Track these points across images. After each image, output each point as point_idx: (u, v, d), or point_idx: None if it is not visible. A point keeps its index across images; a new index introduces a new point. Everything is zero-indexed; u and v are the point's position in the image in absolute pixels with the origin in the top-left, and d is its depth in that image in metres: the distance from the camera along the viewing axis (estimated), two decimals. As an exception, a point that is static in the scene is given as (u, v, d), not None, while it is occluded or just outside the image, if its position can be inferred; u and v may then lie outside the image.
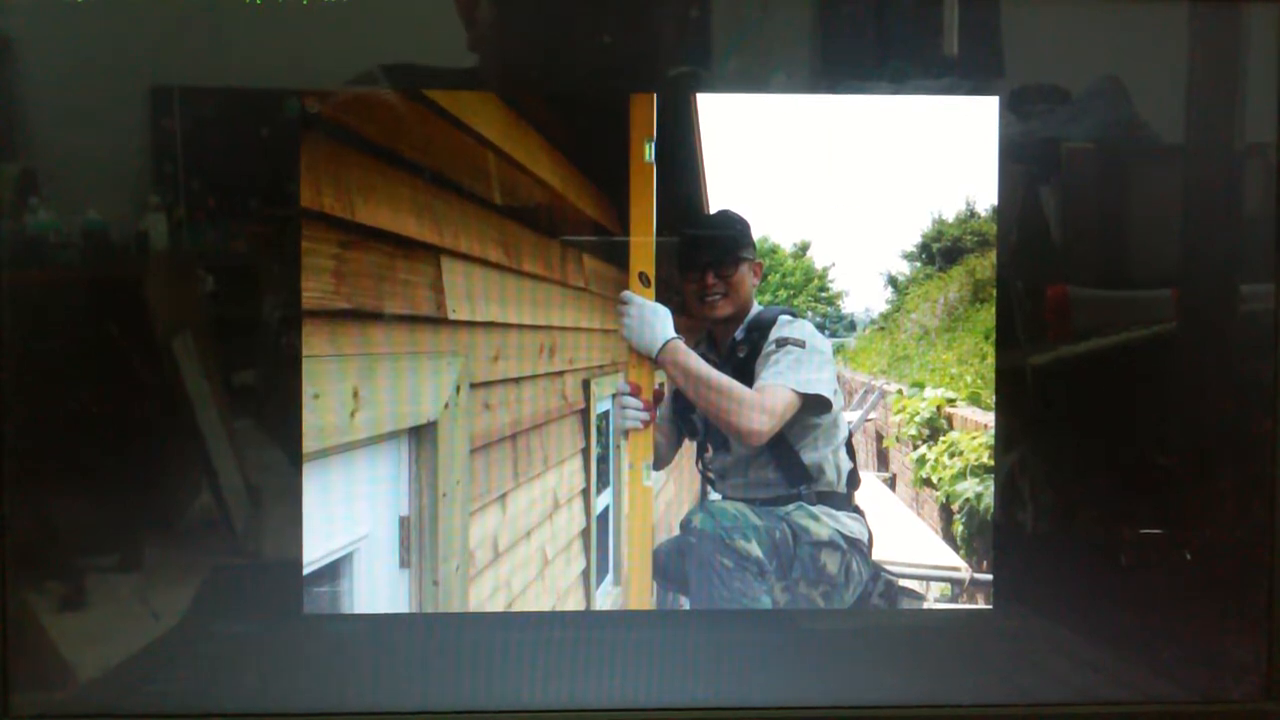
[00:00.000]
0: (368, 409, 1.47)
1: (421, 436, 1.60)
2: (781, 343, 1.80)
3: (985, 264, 1.62)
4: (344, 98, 1.46)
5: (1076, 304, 1.57)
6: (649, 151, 1.56)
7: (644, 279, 1.61)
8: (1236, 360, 1.58)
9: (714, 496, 1.87)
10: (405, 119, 1.48)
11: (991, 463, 1.62)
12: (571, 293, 1.81)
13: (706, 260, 1.76)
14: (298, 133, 1.43)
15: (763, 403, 1.75)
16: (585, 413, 1.95)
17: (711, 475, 1.89)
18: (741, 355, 1.82)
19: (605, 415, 1.93)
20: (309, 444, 1.42)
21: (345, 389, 1.44)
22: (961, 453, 1.83)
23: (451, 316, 1.59)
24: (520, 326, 1.77)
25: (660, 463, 1.81)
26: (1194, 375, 1.58)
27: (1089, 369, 1.59)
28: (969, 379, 1.72)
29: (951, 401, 1.75)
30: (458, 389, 1.60)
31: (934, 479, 1.88)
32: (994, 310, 1.58)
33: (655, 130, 1.54)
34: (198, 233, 1.47)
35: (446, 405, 1.59)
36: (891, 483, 1.91)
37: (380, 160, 1.47)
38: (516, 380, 1.77)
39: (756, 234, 1.71)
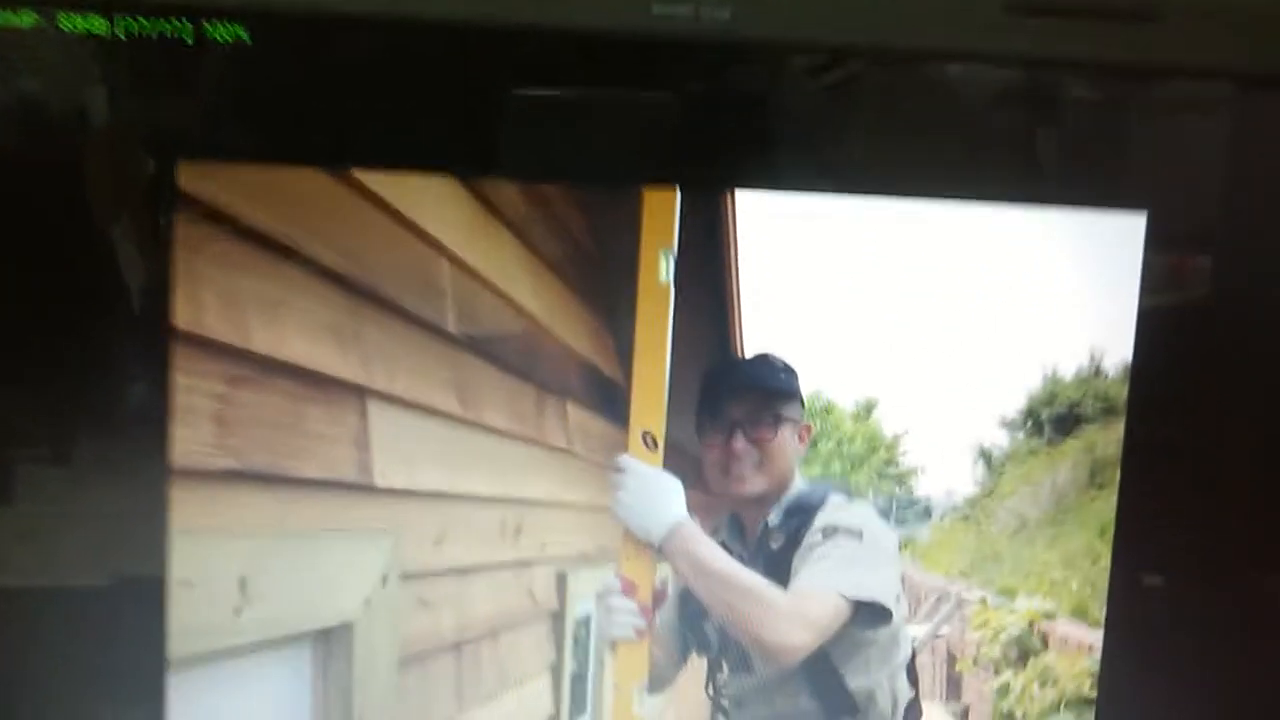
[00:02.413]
0: (259, 604, 1.29)
1: (332, 642, 1.42)
2: (830, 531, 1.55)
3: (1109, 438, 1.47)
4: (237, 175, 1.24)
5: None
6: (665, 268, 1.37)
7: (649, 440, 1.40)
8: None
9: (728, 731, 1.59)
10: (325, 209, 1.29)
11: (1094, 694, 1.49)
12: (549, 455, 1.63)
13: (736, 419, 1.53)
14: (169, 220, 1.22)
15: (801, 610, 1.49)
16: (559, 616, 1.74)
17: (726, 703, 1.65)
18: (775, 546, 1.57)
19: (586, 620, 1.75)
20: (178, 648, 1.24)
21: (229, 576, 1.26)
22: (1057, 680, 1.64)
23: (380, 483, 1.41)
24: (475, 499, 1.58)
25: (658, 684, 1.58)
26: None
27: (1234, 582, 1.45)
28: (1074, 586, 1.55)
29: (1049, 614, 1.59)
30: (384, 579, 1.43)
31: (1019, 713, 1.67)
32: (1115, 498, 1.44)
33: (676, 240, 1.36)
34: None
35: (368, 600, 1.42)
36: (964, 717, 1.76)
37: (288, 265, 1.28)
38: (465, 571, 1.59)
39: (806, 387, 1.52)
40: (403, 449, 1.45)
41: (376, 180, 1.29)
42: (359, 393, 1.38)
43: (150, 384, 1.22)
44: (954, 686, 1.81)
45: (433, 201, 1.36)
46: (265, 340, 1.26)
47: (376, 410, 1.41)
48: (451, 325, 1.42)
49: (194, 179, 1.21)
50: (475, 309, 1.44)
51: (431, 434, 1.49)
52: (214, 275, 1.23)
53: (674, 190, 1.34)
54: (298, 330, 1.29)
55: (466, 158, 1.30)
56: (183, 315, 1.22)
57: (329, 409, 1.35)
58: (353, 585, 1.40)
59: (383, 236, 1.33)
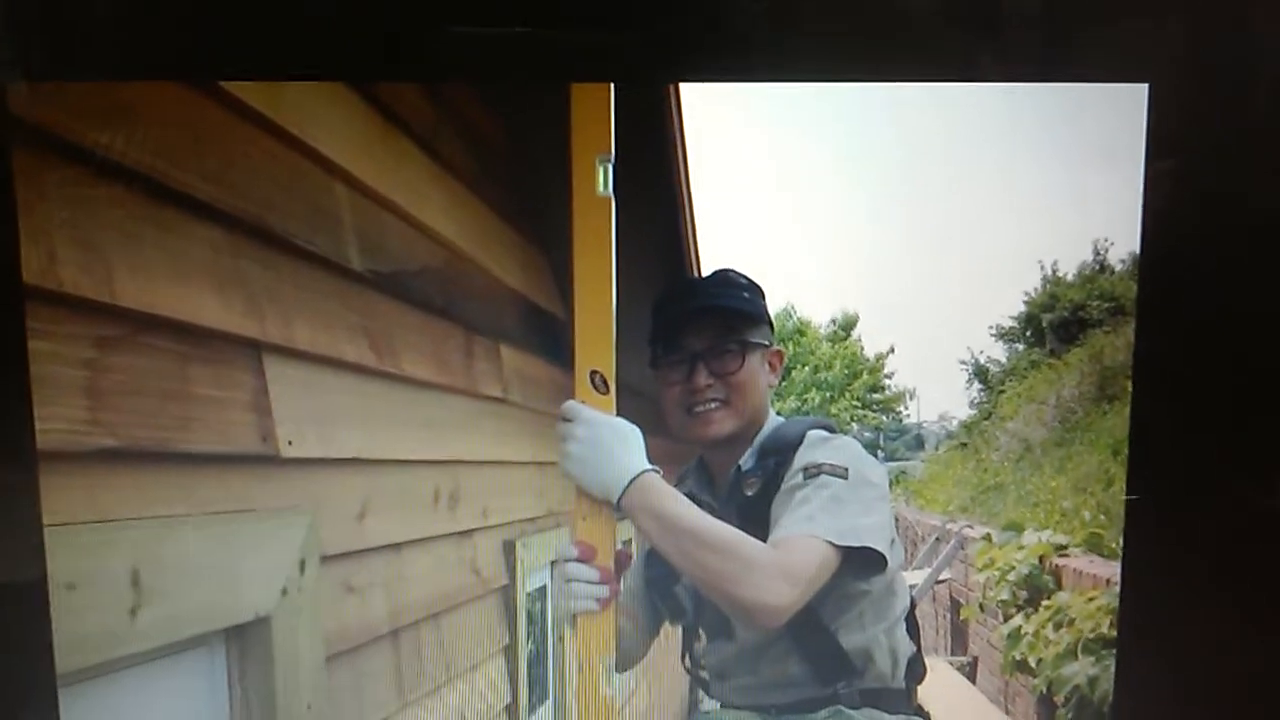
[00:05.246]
0: (157, 603, 1.19)
1: (246, 640, 1.33)
2: (812, 471, 1.43)
3: (1119, 344, 1.40)
4: (82, 96, 1.10)
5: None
6: (604, 178, 1.25)
7: (598, 382, 1.30)
8: None
9: (708, 705, 1.57)
10: (191, 130, 1.16)
11: (1114, 633, 1.48)
12: (483, 407, 1.50)
13: (696, 350, 1.44)
14: (3, 154, 1.08)
15: (784, 563, 1.36)
16: (509, 591, 1.61)
17: (705, 675, 1.58)
18: (750, 493, 1.48)
19: (541, 593, 1.64)
20: (65, 662, 1.13)
21: (119, 573, 1.16)
22: (1072, 621, 1.59)
23: (287, 452, 1.32)
24: (400, 464, 1.48)
25: (627, 660, 1.50)
26: None
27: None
28: (1087, 515, 1.45)
29: (1061, 549, 1.51)
30: (302, 564, 1.34)
31: (1032, 660, 1.63)
32: (1128, 411, 1.31)
33: (613, 145, 1.24)
34: None
35: (285, 590, 1.32)
36: (971, 670, 1.66)
37: (154, 200, 1.15)
38: (396, 547, 1.49)
39: (774, 306, 1.41)
40: (310, 411, 1.37)
41: (250, 92, 1.19)
42: (252, 347, 1.29)
43: (2, 355, 1.11)
44: (959, 636, 1.77)
45: (321, 114, 1.26)
46: (134, 292, 1.16)
47: (274, 366, 1.32)
48: (354, 260, 1.34)
49: (30, 103, 1.10)
50: (381, 239, 1.36)
51: (343, 391, 1.41)
52: (66, 218, 1.12)
53: (607, 86, 1.25)
54: (172, 277, 1.19)
55: (358, 58, 1.19)
56: (33, 269, 1.10)
57: (218, 369, 1.25)
58: (265, 574, 1.32)
59: (263, 158, 1.24)
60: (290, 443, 1.32)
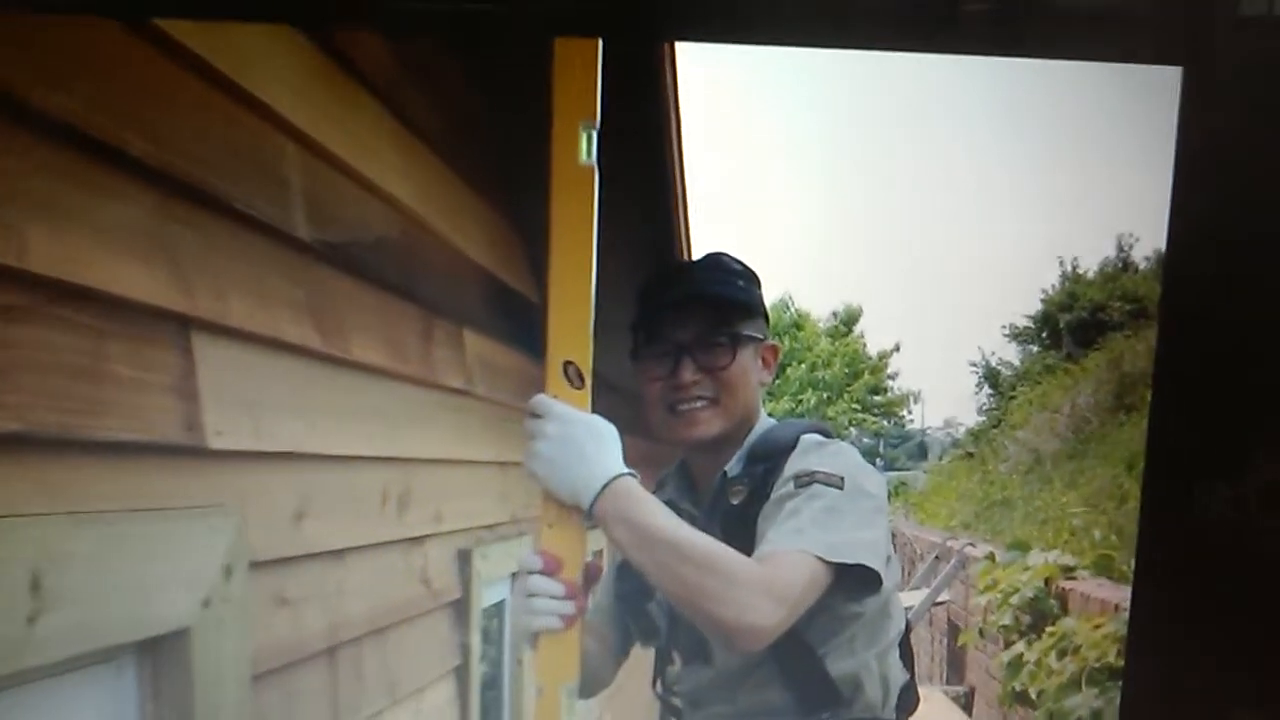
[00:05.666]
0: (60, 610, 1.11)
1: (162, 654, 1.23)
2: (804, 479, 1.32)
3: (1139, 349, 1.31)
4: None
5: None
6: (587, 146, 1.14)
7: (572, 374, 1.19)
8: None
9: (681, 735, 1.54)
10: (120, 74, 1.05)
11: (1120, 663, 1.44)
12: (442, 399, 1.39)
13: (683, 341, 1.34)
14: None
15: (769, 580, 1.25)
16: (462, 606, 1.49)
17: (678, 702, 1.47)
18: (736, 501, 1.37)
19: (498, 608, 1.52)
20: None
21: (16, 576, 1.08)
22: (1078, 649, 1.56)
23: (215, 443, 1.22)
24: (344, 460, 1.38)
25: (592, 685, 1.38)
26: None
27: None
28: (1097, 534, 1.36)
29: (1069, 571, 1.39)
30: (227, 571, 1.25)
31: (1032, 692, 1.76)
32: (1146, 422, 1.11)
33: (599, 109, 1.13)
34: None
35: (207, 600, 1.23)
36: (967, 701, 1.57)
37: (74, 152, 1.06)
38: (338, 554, 1.39)
39: (769, 296, 1.33)
40: (243, 397, 1.27)
41: (189, 33, 1.09)
42: (179, 323, 1.19)
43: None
44: (956, 664, 1.67)
45: (269, 62, 1.15)
46: (45, 257, 1.06)
47: (204, 346, 1.22)
48: (300, 227, 1.23)
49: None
50: (332, 204, 1.25)
51: (281, 375, 1.31)
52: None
53: (595, 41, 1.14)
54: (92, 241, 1.09)
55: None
56: (-75, 225, 1.05)
57: (139, 347, 1.16)
58: (185, 581, 1.23)
59: (201, 110, 1.13)
60: (219, 432, 1.23)
